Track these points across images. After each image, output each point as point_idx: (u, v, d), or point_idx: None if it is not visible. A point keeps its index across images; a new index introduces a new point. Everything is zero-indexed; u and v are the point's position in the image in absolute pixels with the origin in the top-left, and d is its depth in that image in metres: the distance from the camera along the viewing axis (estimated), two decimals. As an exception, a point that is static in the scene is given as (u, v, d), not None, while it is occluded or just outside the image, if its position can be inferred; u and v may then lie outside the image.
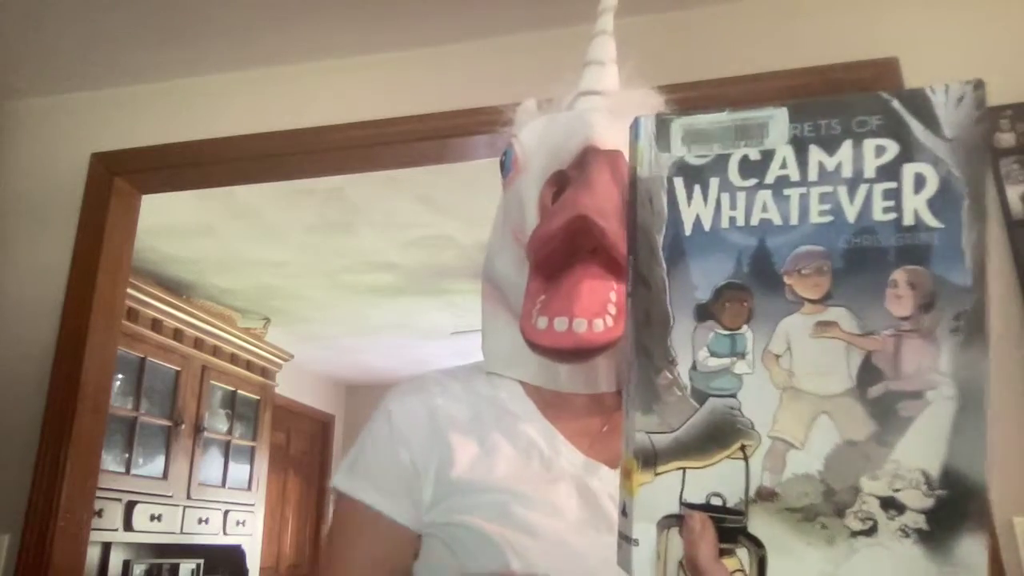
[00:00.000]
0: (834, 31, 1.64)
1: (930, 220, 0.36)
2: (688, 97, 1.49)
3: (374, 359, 5.04)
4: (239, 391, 3.92)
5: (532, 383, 0.71)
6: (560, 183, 0.67)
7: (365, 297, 3.91)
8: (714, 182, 0.39)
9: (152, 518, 3.13)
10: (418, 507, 0.67)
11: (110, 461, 2.93)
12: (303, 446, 5.22)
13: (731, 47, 1.69)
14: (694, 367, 0.39)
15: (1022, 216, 1.44)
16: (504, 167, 0.74)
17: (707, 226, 0.39)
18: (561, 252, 0.64)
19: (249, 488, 3.94)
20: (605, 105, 0.71)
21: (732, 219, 0.39)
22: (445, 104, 1.77)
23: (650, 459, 0.38)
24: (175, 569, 3.27)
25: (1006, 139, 1.49)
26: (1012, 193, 1.46)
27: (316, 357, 4.99)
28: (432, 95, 1.80)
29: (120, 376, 3.03)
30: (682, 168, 0.40)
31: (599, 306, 0.62)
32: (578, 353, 0.62)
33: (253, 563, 3.88)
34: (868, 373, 0.36)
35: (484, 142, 1.74)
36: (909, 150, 0.37)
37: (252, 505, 3.94)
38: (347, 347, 4.83)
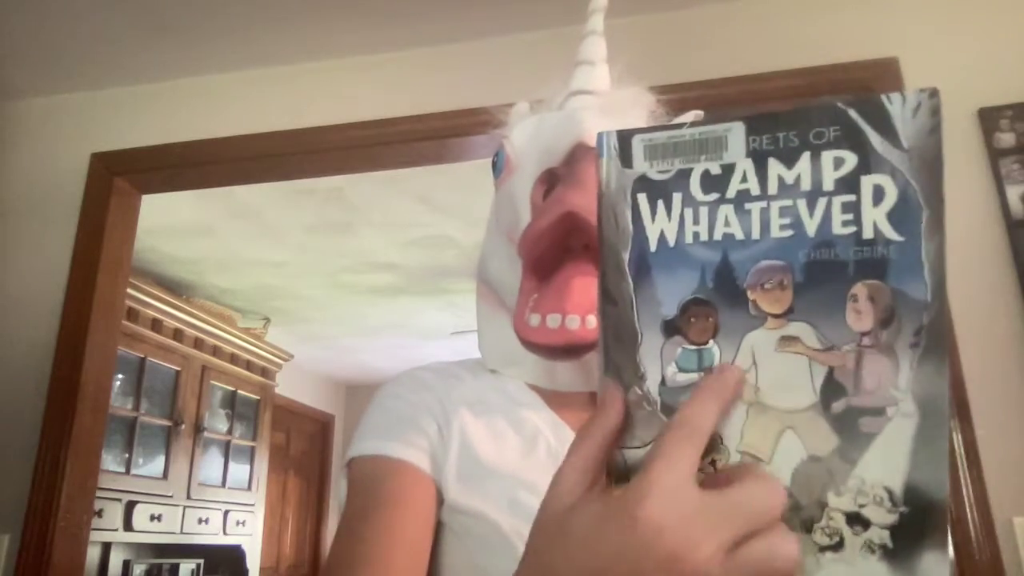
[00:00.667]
0: (834, 31, 1.64)
1: (889, 233, 0.36)
2: (688, 97, 1.49)
3: (374, 359, 5.05)
4: (239, 391, 3.93)
5: (530, 382, 0.71)
6: (550, 181, 0.67)
7: (365, 297, 3.91)
8: (677, 197, 0.39)
9: (152, 518, 3.13)
10: (439, 468, 0.65)
11: (110, 461, 2.93)
12: (303, 446, 5.22)
13: (730, 47, 1.69)
14: (663, 382, 0.38)
15: (1022, 216, 1.44)
16: (496, 168, 0.74)
17: (671, 242, 0.39)
18: (552, 250, 0.64)
19: (249, 488, 3.94)
20: (596, 104, 0.72)
21: (696, 234, 0.39)
22: (445, 104, 1.77)
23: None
24: (175, 569, 3.27)
25: (1006, 139, 1.49)
26: (1012, 193, 1.46)
27: (316, 357, 4.99)
28: (432, 95, 1.80)
29: (120, 376, 3.04)
30: (645, 184, 0.40)
31: (591, 302, 0.62)
32: (571, 350, 0.63)
33: (253, 563, 3.88)
34: (831, 388, 0.36)
35: (483, 142, 1.75)
36: (867, 161, 0.37)
37: (252, 505, 3.95)
38: (347, 347, 4.83)
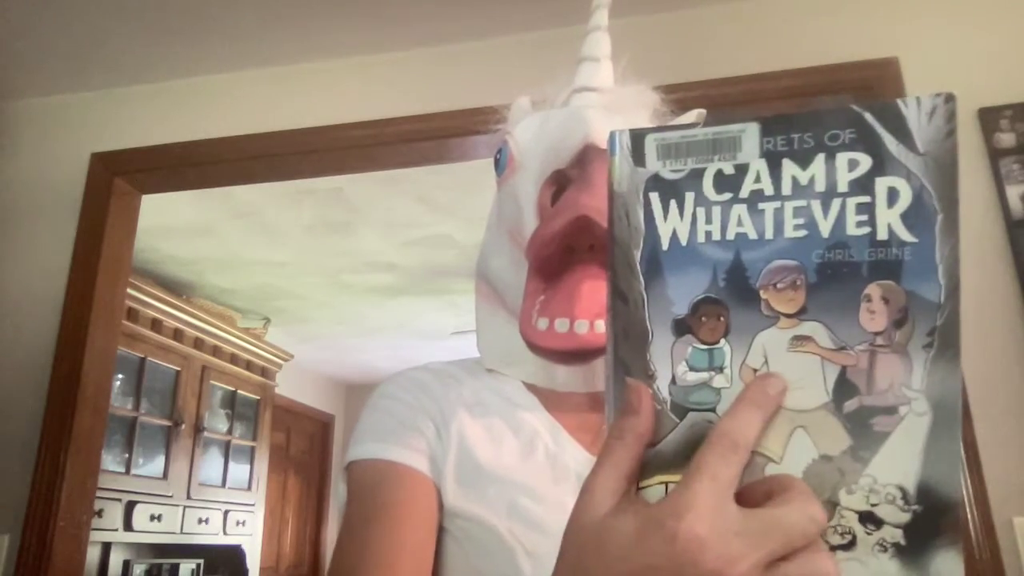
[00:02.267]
0: (834, 31, 1.64)
1: (903, 235, 0.36)
2: (688, 97, 1.49)
3: (374, 359, 5.05)
4: (239, 391, 3.92)
5: (529, 382, 0.71)
6: (559, 183, 0.66)
7: (365, 297, 3.91)
8: (690, 196, 0.39)
9: (152, 518, 3.13)
10: (439, 470, 0.65)
11: (110, 461, 2.93)
12: (303, 446, 5.22)
13: (731, 47, 1.69)
14: (673, 381, 0.38)
15: (1022, 216, 1.44)
16: (499, 165, 0.73)
17: (684, 241, 0.39)
18: (560, 252, 0.63)
19: (249, 488, 3.94)
20: (601, 101, 0.71)
21: (708, 233, 0.39)
22: (445, 104, 1.77)
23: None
24: (175, 569, 3.27)
25: (1006, 139, 1.48)
26: (1012, 193, 1.46)
27: (316, 357, 4.99)
28: (432, 95, 1.80)
29: (120, 376, 3.03)
30: (658, 183, 0.40)
31: (600, 307, 0.61)
32: (580, 354, 0.62)
33: (253, 563, 3.88)
34: (843, 388, 0.36)
35: (484, 142, 1.74)
36: (882, 164, 0.37)
37: (252, 505, 3.94)
38: (347, 347, 4.83)
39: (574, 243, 0.63)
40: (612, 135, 0.41)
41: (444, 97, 1.78)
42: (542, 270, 0.65)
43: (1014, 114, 1.49)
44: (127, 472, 3.03)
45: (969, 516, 1.31)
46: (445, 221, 2.99)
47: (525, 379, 0.71)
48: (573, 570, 0.37)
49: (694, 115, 0.73)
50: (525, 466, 0.64)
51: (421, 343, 4.64)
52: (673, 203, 0.39)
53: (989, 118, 1.50)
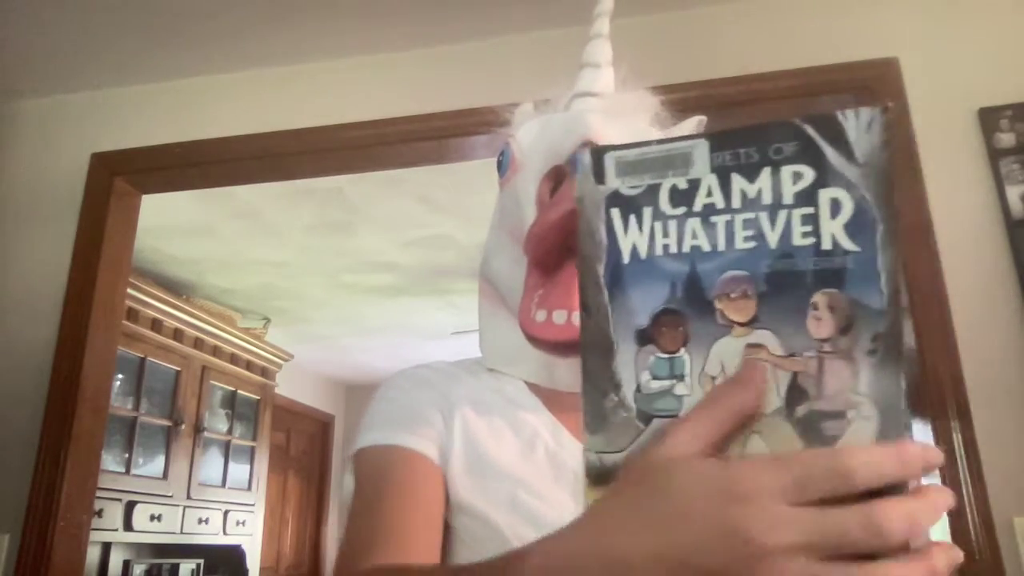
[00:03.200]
0: (834, 31, 1.64)
1: (846, 244, 0.37)
2: (689, 97, 1.49)
3: (374, 359, 5.05)
4: (239, 391, 3.92)
5: (530, 380, 0.71)
6: (557, 178, 0.68)
7: (365, 297, 3.91)
8: (647, 211, 0.41)
9: (152, 518, 3.13)
10: (446, 460, 0.66)
11: (110, 461, 2.93)
12: (303, 446, 5.22)
13: (731, 47, 1.69)
14: (638, 389, 0.40)
15: (1022, 216, 1.44)
16: (501, 167, 0.75)
17: (643, 254, 0.41)
18: (558, 246, 0.65)
19: (249, 488, 3.94)
20: (601, 106, 0.72)
21: (665, 247, 0.40)
22: (445, 104, 1.77)
23: (601, 478, 0.40)
24: (175, 569, 3.27)
25: (1006, 139, 1.48)
26: (1012, 193, 1.46)
27: (316, 357, 4.99)
28: (432, 95, 1.80)
29: (120, 376, 3.03)
30: (618, 199, 0.42)
31: None
32: (577, 345, 0.63)
33: (253, 563, 3.88)
34: (794, 394, 0.37)
35: (483, 142, 1.75)
36: (824, 176, 0.38)
37: (252, 505, 3.94)
38: (347, 347, 4.83)
39: (573, 243, 0.64)
40: (574, 155, 0.43)
41: (444, 97, 1.78)
42: (540, 264, 0.67)
43: (1014, 114, 1.49)
44: (127, 472, 3.03)
45: (969, 516, 1.31)
46: (445, 221, 2.99)
47: (526, 378, 0.72)
48: (629, 503, 0.36)
49: (694, 122, 0.74)
50: (526, 463, 0.65)
51: (421, 343, 4.64)
52: (632, 218, 0.41)
53: (989, 118, 1.50)
